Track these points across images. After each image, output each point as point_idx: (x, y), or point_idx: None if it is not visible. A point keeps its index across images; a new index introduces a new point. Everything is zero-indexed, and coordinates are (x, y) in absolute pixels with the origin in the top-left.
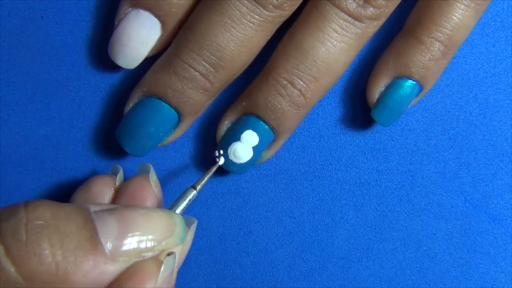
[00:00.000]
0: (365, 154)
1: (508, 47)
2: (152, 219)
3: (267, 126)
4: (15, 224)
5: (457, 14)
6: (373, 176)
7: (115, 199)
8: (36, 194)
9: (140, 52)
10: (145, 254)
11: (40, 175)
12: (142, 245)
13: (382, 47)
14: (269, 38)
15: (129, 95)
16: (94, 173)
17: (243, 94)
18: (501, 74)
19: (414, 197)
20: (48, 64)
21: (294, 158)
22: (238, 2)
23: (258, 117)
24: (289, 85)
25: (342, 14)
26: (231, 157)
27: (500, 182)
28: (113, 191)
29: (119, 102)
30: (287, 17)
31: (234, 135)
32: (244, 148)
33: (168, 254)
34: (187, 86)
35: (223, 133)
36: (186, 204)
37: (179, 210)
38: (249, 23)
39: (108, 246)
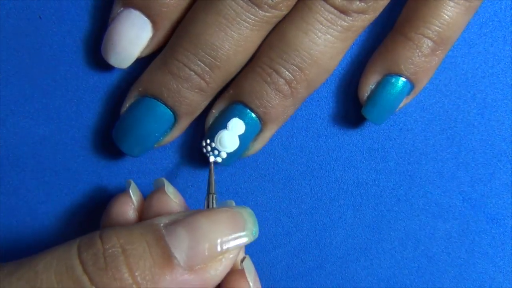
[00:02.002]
0: (363, 154)
1: (506, 47)
2: (219, 222)
3: (253, 115)
4: (94, 254)
5: (445, 11)
6: (371, 176)
7: (141, 219)
8: (34, 194)
9: (131, 52)
10: (220, 256)
11: (38, 175)
12: (215, 250)
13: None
14: (265, 37)
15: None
16: (92, 173)
17: (231, 84)
18: (499, 74)
19: (412, 197)
20: (46, 64)
21: (292, 158)
22: (233, 2)
23: (245, 105)
24: (274, 73)
25: (328, 6)
26: (217, 145)
27: (498, 182)
28: (132, 206)
29: (117, 102)
30: (283, 17)
31: (220, 123)
32: (230, 136)
33: (242, 261)
34: (182, 86)
35: (210, 123)
36: None
37: None
38: (244, 22)
39: (182, 258)
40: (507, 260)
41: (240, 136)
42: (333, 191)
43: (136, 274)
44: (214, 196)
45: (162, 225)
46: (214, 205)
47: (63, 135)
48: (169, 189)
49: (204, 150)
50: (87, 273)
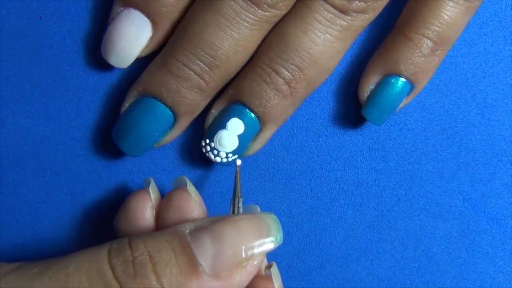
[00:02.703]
0: (363, 153)
1: (507, 47)
2: (244, 228)
3: (253, 115)
4: (124, 261)
5: (445, 11)
6: (372, 176)
7: (159, 216)
8: (34, 194)
9: (131, 51)
10: (245, 263)
11: (38, 174)
12: (239, 257)
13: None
14: (264, 37)
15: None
16: (92, 173)
17: (231, 83)
18: (499, 74)
19: (412, 196)
20: (46, 64)
21: (293, 157)
22: (232, 2)
23: (244, 105)
24: (273, 73)
25: (327, 6)
26: (217, 145)
27: (498, 182)
28: (150, 203)
29: (117, 102)
30: (282, 16)
31: (220, 123)
32: (229, 136)
33: (268, 267)
34: (182, 86)
35: (210, 122)
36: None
37: None
38: (244, 22)
39: (208, 265)
40: (508, 260)
41: (239, 136)
42: (333, 191)
43: (164, 281)
44: (240, 199)
45: (187, 231)
46: (240, 209)
47: (63, 135)
48: (191, 188)
49: (204, 150)
50: (117, 279)
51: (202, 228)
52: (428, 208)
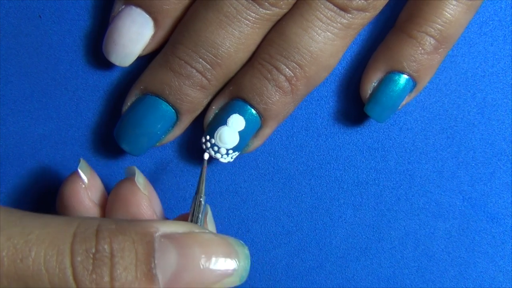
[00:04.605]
0: (363, 153)
1: (507, 46)
2: (212, 257)
3: (253, 111)
4: (85, 251)
5: (448, 10)
6: (371, 175)
7: (108, 207)
8: (34, 194)
9: (132, 50)
10: None
11: (38, 174)
12: (197, 283)
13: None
14: (266, 34)
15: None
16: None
17: (231, 80)
18: (499, 73)
19: (412, 196)
20: (46, 64)
21: (292, 157)
22: (234, 0)
23: (245, 101)
24: (274, 70)
25: (328, 4)
26: (217, 142)
27: (498, 181)
28: (83, 185)
29: (118, 101)
30: (283, 14)
31: (220, 120)
32: (230, 132)
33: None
34: (184, 83)
35: (210, 119)
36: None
37: (211, 227)
38: (245, 20)
39: (164, 280)
40: (507, 259)
41: (240, 132)
42: (333, 191)
43: (116, 285)
44: (203, 197)
45: (157, 235)
46: (200, 213)
47: (63, 135)
48: (139, 179)
49: (204, 147)
50: (73, 267)
51: (172, 236)
52: (427, 208)
